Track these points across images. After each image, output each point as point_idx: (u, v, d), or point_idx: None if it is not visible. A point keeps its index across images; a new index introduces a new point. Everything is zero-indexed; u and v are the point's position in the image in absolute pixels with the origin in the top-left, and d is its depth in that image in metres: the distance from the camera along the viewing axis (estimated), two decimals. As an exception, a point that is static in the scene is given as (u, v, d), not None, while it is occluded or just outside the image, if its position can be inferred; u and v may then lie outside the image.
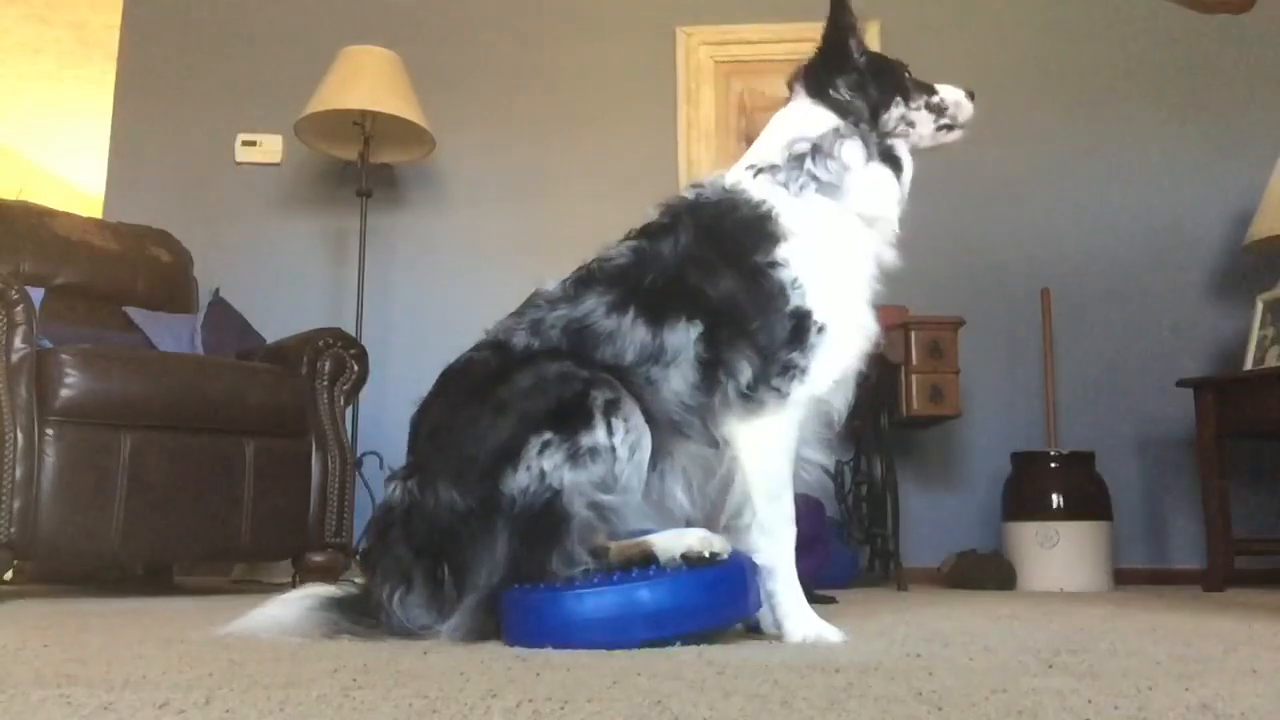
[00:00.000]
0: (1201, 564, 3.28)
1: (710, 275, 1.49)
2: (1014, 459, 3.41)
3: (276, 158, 3.97)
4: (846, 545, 3.35)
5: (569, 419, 1.40)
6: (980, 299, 3.64)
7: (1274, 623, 1.81)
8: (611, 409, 1.41)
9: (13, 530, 2.31)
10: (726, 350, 1.46)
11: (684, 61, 3.97)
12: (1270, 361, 3.20)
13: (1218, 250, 3.73)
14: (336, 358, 2.92)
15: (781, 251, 1.49)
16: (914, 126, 1.66)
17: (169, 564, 3.20)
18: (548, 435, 1.39)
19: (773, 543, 1.47)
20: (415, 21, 4.03)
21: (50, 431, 2.39)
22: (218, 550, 2.70)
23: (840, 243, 1.54)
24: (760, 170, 1.58)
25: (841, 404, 1.55)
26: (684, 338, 1.47)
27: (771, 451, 1.48)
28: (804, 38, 4.32)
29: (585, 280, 1.57)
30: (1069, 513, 3.22)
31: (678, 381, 1.46)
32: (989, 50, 3.85)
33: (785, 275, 1.47)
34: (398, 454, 4.01)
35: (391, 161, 3.77)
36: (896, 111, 1.64)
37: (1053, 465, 3.29)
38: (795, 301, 1.47)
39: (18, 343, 2.40)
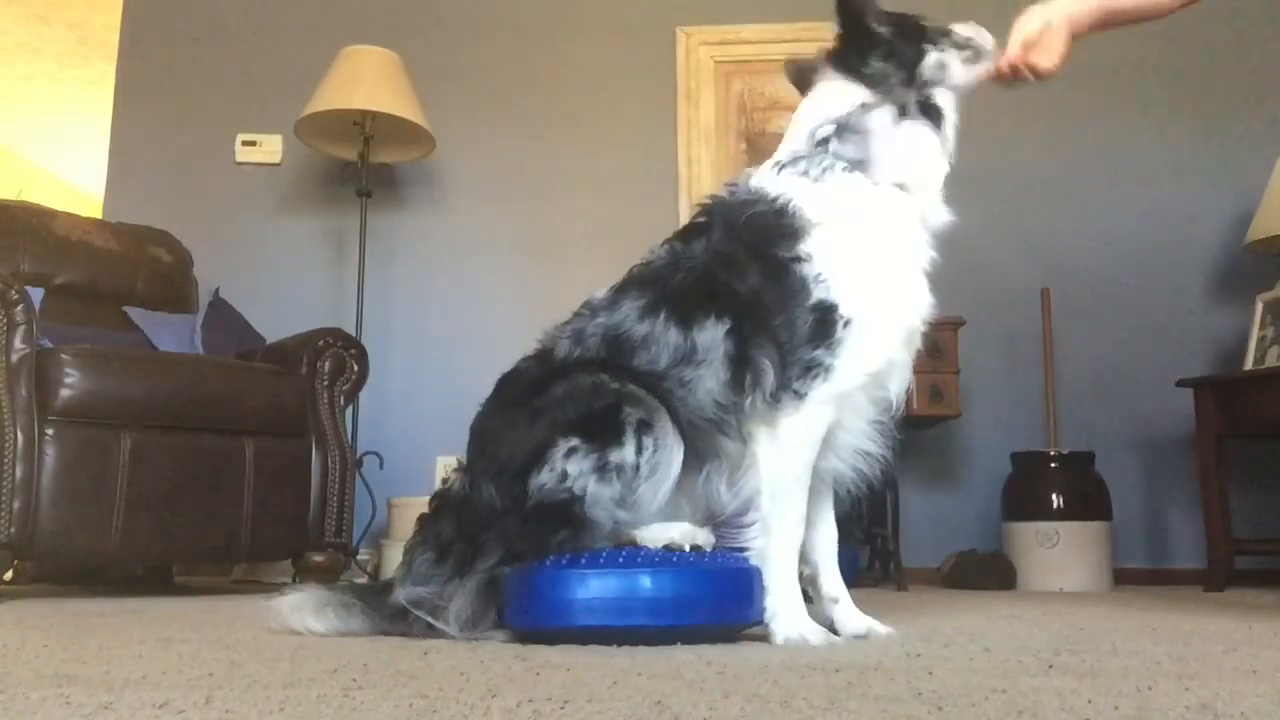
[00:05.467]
0: (1201, 564, 3.27)
1: (737, 272, 1.48)
2: (1014, 459, 3.41)
3: (276, 158, 3.97)
4: (846, 545, 3.35)
5: (600, 432, 1.42)
6: (980, 299, 3.64)
7: (1274, 623, 1.81)
8: (644, 428, 1.42)
9: (13, 530, 2.31)
10: (752, 348, 1.46)
11: (684, 61, 3.97)
12: (1270, 361, 3.20)
13: (1218, 250, 3.73)
14: (336, 358, 2.92)
15: (803, 246, 1.47)
16: (946, 68, 1.63)
17: (169, 564, 3.20)
18: (575, 442, 1.42)
19: (769, 541, 1.46)
20: (415, 21, 4.03)
21: (50, 431, 2.39)
22: (218, 550, 2.70)
23: (870, 225, 1.50)
24: (783, 165, 1.56)
25: (898, 389, 1.53)
26: (713, 336, 1.46)
27: (784, 450, 1.46)
28: (803, 38, 4.36)
29: (623, 286, 1.58)
30: (1069, 513, 3.22)
31: (710, 381, 1.46)
32: (989, 50, 3.85)
33: (807, 270, 1.46)
34: (398, 454, 4.03)
35: (391, 161, 3.77)
36: (930, 60, 1.61)
37: (1053, 465, 3.29)
38: (818, 295, 1.44)
39: (18, 343, 2.40)
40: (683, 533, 1.41)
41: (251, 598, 2.62)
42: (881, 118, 1.55)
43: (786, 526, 1.47)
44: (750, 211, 1.52)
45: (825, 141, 1.55)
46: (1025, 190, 3.82)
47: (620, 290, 1.57)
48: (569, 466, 1.40)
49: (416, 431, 3.67)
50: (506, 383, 1.59)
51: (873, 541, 3.42)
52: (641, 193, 3.87)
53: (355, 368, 2.95)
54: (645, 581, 1.31)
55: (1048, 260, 3.72)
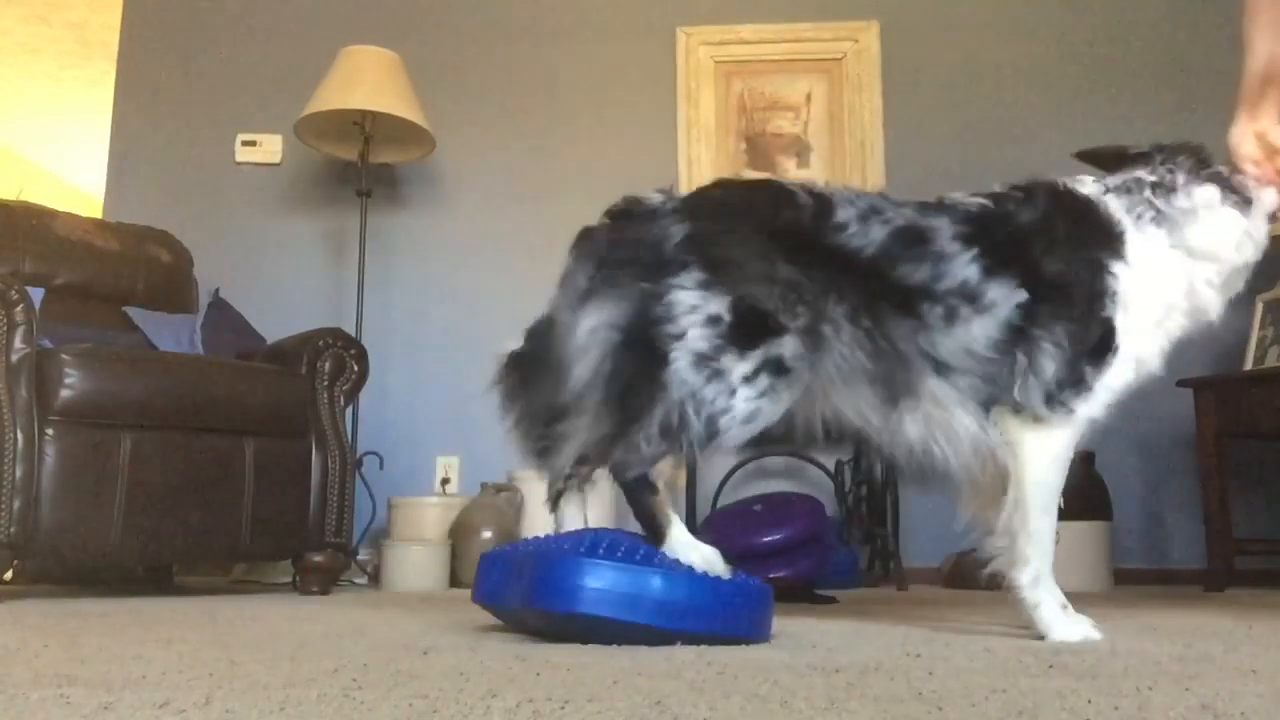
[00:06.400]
0: (1201, 564, 3.27)
1: (1052, 252, 1.51)
2: (1014, 459, 3.40)
3: (276, 158, 3.97)
4: (846, 545, 3.35)
5: (748, 330, 1.41)
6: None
7: (1274, 623, 1.81)
8: (775, 366, 1.41)
9: (13, 530, 2.31)
10: (1040, 334, 1.48)
11: (684, 61, 3.97)
12: (1270, 361, 3.20)
13: (1218, 250, 3.73)
14: (336, 358, 2.92)
15: (1118, 265, 1.52)
16: (1255, 233, 1.63)
17: (169, 564, 3.20)
18: (727, 317, 1.40)
19: (1038, 553, 1.52)
20: (415, 21, 4.03)
21: (50, 431, 2.39)
22: (218, 550, 2.70)
23: (1162, 278, 1.55)
24: (1110, 190, 1.60)
25: None
26: (1008, 296, 1.48)
27: (1051, 464, 1.51)
28: (803, 38, 4.36)
29: (934, 207, 1.58)
30: (1069, 513, 3.20)
31: (979, 329, 1.48)
32: (988, 50, 3.85)
33: (1111, 284, 1.50)
34: (398, 454, 4.02)
35: (391, 161, 3.77)
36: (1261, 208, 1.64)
37: (1053, 465, 3.28)
38: (1108, 311, 1.50)
39: (18, 343, 2.40)
40: (704, 559, 1.40)
41: (251, 598, 2.62)
42: (1207, 194, 1.59)
43: (1050, 540, 1.54)
44: (1092, 215, 1.56)
45: (1142, 186, 1.59)
46: (1025, 190, 3.82)
47: (931, 209, 1.56)
48: (692, 331, 1.39)
49: (416, 431, 3.67)
50: (777, 197, 1.54)
51: (873, 541, 3.42)
52: (641, 192, 3.86)
53: (355, 368, 2.95)
54: (657, 582, 1.32)
55: (1048, 260, 3.71)
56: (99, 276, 3.17)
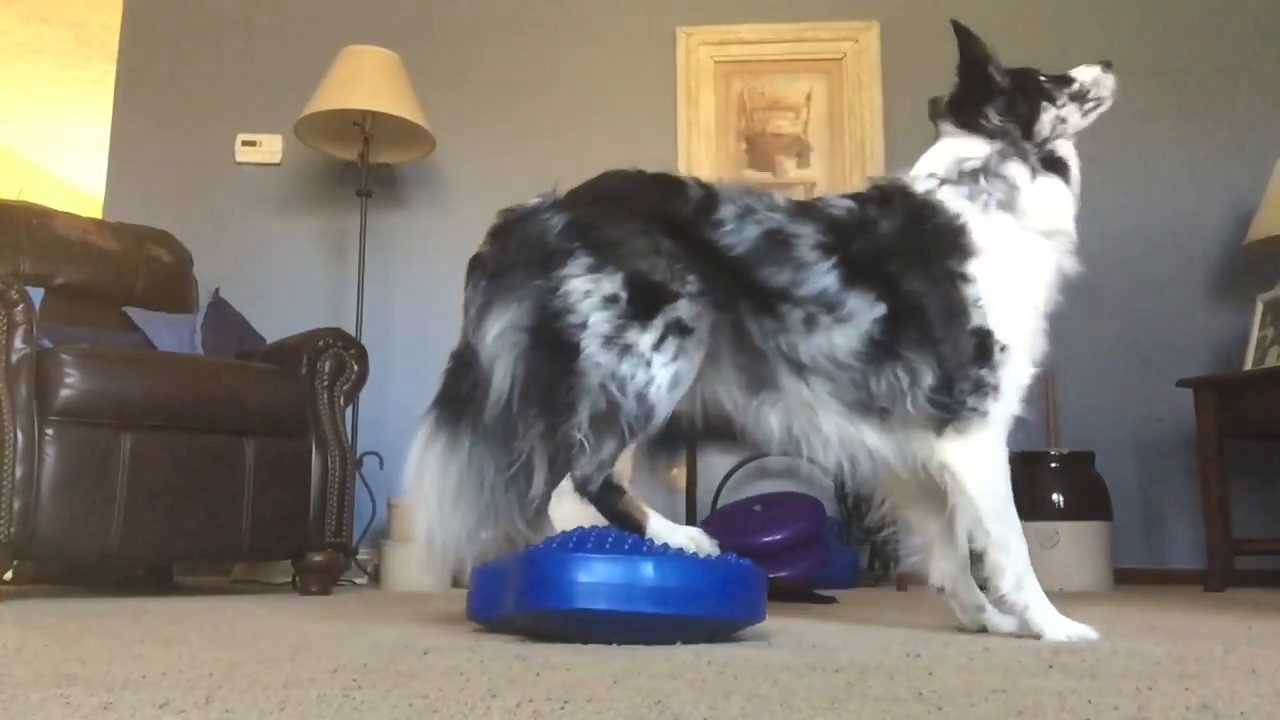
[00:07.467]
0: (1201, 564, 3.27)
1: (906, 270, 1.52)
2: (1014, 459, 3.40)
3: (276, 158, 3.97)
4: (846, 545, 3.35)
5: (646, 305, 1.44)
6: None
7: (1274, 623, 1.81)
8: (678, 329, 1.44)
9: (13, 530, 2.31)
10: (909, 350, 1.49)
11: (684, 61, 3.97)
12: (1270, 361, 3.20)
13: (1218, 250, 3.73)
14: (336, 358, 2.92)
15: (971, 266, 1.52)
16: (1066, 122, 1.68)
17: (169, 564, 3.20)
18: (623, 294, 1.44)
19: (1013, 558, 1.50)
20: (415, 21, 4.03)
21: (50, 431, 2.39)
22: (218, 550, 2.70)
23: (1023, 262, 1.56)
24: (944, 181, 1.60)
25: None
26: (866, 309, 1.50)
27: (989, 470, 1.51)
28: (803, 37, 4.36)
29: (806, 209, 1.60)
30: (1069, 513, 3.22)
31: (840, 338, 1.49)
32: (989, 50, 3.84)
33: (970, 291, 1.51)
34: (398, 454, 4.02)
35: (391, 161, 3.77)
36: (1048, 117, 1.66)
37: (1053, 465, 3.29)
38: (977, 320, 1.50)
39: (18, 343, 2.40)
40: (689, 538, 1.42)
41: (251, 598, 2.62)
42: (1018, 170, 1.60)
43: (1019, 540, 1.51)
44: (934, 219, 1.56)
45: (975, 174, 1.59)
46: (1025, 190, 3.82)
47: (804, 211, 1.59)
48: (594, 317, 1.43)
49: (416, 432, 3.66)
50: (655, 182, 1.59)
51: (872, 541, 3.41)
52: (641, 193, 3.86)
53: (355, 368, 2.95)
54: (649, 568, 1.32)
55: (1048, 260, 3.71)
56: (99, 276, 3.17)
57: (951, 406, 1.49)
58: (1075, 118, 1.69)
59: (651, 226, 1.50)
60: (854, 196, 1.63)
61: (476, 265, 1.60)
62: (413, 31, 3.97)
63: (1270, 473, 3.53)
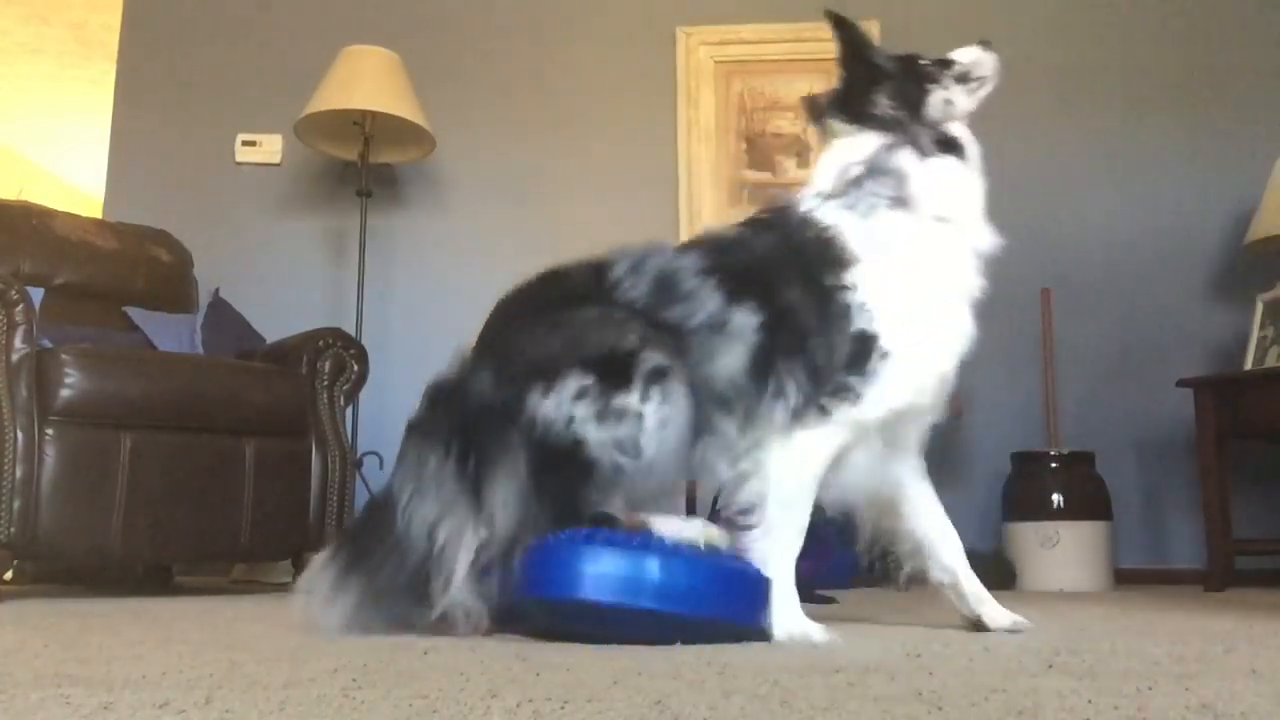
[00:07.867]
0: (1201, 564, 3.27)
1: (782, 281, 1.51)
2: (1014, 459, 3.40)
3: (276, 158, 3.97)
4: (847, 545, 3.35)
5: (613, 373, 1.43)
6: (980, 299, 3.64)
7: (1274, 623, 1.81)
8: (656, 377, 1.44)
9: (13, 530, 2.31)
10: (781, 363, 1.48)
11: (684, 62, 3.97)
12: (1270, 361, 3.20)
13: (1218, 250, 3.73)
14: (336, 358, 2.92)
15: (850, 276, 1.50)
16: (954, 104, 1.67)
17: (169, 564, 3.20)
18: (589, 381, 1.43)
19: (772, 544, 1.47)
20: (416, 21, 4.03)
21: (50, 431, 2.39)
22: (218, 550, 2.70)
23: (916, 260, 1.54)
24: (828, 197, 1.58)
25: (916, 432, 1.64)
26: (747, 321, 1.48)
27: (798, 464, 1.48)
28: (803, 37, 4.36)
29: (689, 242, 1.62)
30: (1069, 513, 3.22)
31: (731, 359, 1.48)
32: (989, 50, 3.84)
33: (852, 299, 1.49)
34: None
35: (391, 161, 3.77)
36: (935, 99, 1.64)
37: (1053, 465, 3.29)
38: (860, 325, 1.48)
39: (18, 343, 2.40)
40: (697, 530, 1.41)
41: (251, 598, 2.62)
42: (905, 157, 1.58)
43: (790, 534, 1.49)
44: (804, 236, 1.55)
45: (858, 180, 1.57)
46: (1025, 190, 3.82)
47: (690, 244, 1.60)
48: (576, 410, 1.42)
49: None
50: (551, 279, 1.60)
51: (874, 562, 3.41)
52: (641, 193, 3.87)
53: (355, 368, 2.95)
54: (656, 564, 1.32)
55: (1047, 260, 3.71)
56: (99, 276, 3.17)
57: (809, 401, 1.47)
58: (962, 99, 1.68)
59: (564, 317, 1.51)
60: (741, 223, 1.64)
61: (418, 434, 1.60)
62: (413, 31, 3.97)
63: (1270, 473, 3.53)
